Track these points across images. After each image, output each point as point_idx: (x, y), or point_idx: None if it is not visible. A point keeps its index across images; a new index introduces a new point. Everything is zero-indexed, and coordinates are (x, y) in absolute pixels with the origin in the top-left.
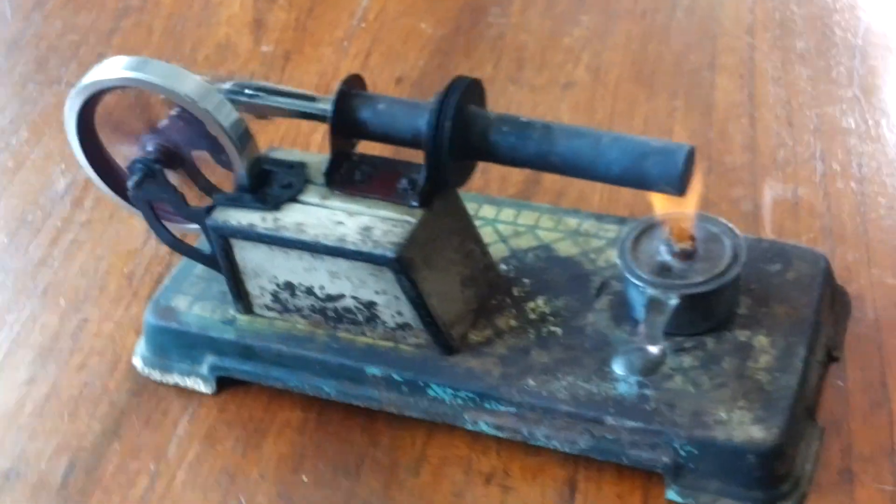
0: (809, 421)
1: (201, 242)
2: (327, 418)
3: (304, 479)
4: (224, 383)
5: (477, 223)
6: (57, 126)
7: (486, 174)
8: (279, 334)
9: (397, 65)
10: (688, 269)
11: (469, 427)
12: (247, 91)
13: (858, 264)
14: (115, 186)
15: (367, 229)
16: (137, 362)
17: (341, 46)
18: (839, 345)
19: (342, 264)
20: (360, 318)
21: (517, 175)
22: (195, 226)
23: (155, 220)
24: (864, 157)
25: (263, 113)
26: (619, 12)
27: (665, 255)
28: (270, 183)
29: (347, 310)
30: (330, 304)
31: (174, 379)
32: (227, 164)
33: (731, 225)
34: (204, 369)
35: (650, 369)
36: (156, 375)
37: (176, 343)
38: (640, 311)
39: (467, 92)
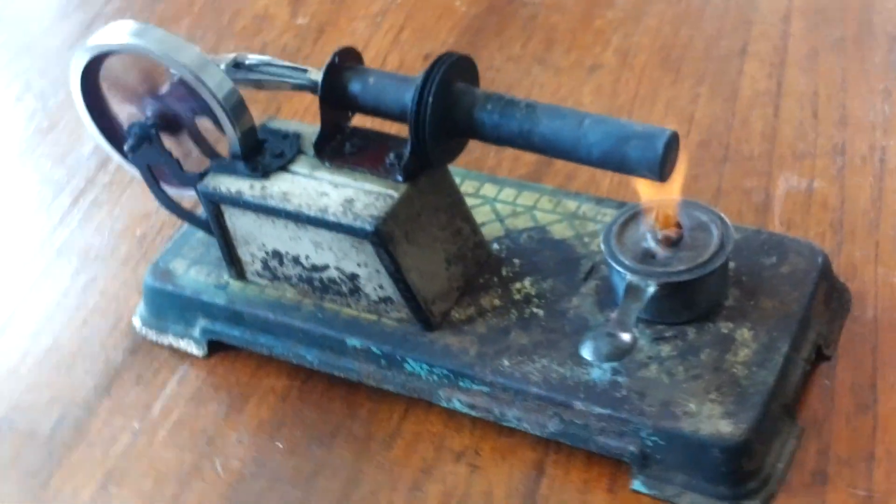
0: (787, 419)
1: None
2: (311, 388)
3: (280, 445)
4: (216, 347)
5: (476, 201)
6: None
7: (500, 153)
8: (268, 301)
9: (427, 41)
10: (671, 257)
11: (444, 404)
12: (246, 63)
13: (865, 262)
14: (120, 147)
15: (349, 201)
16: (136, 322)
17: (375, 21)
18: (832, 343)
19: (325, 235)
20: (345, 289)
21: (530, 155)
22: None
23: (153, 183)
24: (887, 152)
25: (259, 85)
26: None
27: (650, 242)
28: (263, 152)
29: (332, 280)
30: (315, 275)
31: (169, 340)
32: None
33: (721, 214)
34: (196, 332)
35: (617, 356)
36: (152, 336)
37: (171, 305)
38: (621, 297)
39: (455, 69)
